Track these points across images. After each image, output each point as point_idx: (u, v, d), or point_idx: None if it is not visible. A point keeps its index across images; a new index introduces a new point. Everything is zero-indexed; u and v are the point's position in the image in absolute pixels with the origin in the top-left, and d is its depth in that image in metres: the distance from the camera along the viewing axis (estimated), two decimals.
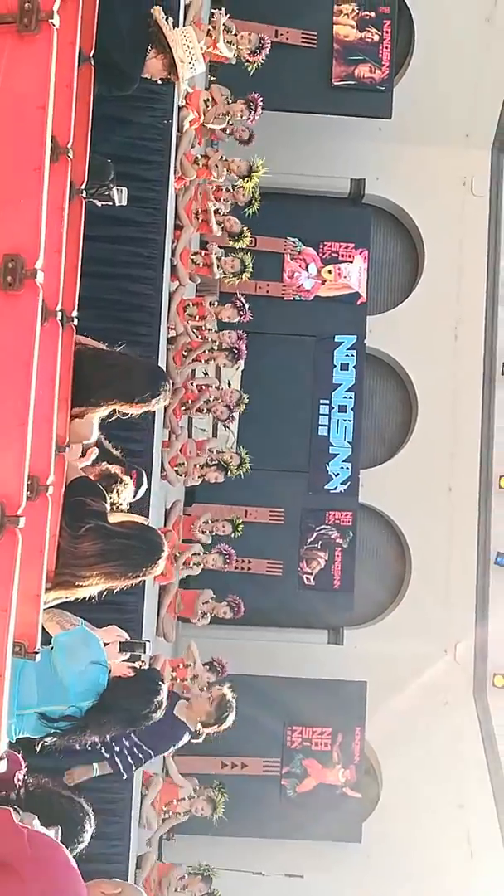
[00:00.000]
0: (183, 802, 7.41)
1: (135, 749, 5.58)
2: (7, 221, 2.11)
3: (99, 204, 5.13)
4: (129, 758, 5.61)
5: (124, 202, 5.13)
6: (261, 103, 8.57)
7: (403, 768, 11.53)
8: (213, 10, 8.65)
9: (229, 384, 9.91)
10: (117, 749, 5.55)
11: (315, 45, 11.70)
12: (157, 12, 4.33)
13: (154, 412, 6.35)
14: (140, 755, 5.65)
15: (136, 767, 5.83)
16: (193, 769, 9.05)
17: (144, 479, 5.84)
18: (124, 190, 5.12)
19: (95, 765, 5.66)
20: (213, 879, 7.92)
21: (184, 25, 4.86)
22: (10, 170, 2.10)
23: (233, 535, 9.25)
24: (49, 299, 2.83)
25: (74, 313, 3.58)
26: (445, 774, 11.49)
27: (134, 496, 5.30)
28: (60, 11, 2.38)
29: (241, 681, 9.61)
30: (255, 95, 8.51)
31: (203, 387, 8.68)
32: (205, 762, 10.15)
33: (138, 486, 5.45)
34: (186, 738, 6.00)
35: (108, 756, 5.57)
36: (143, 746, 5.61)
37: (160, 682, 3.58)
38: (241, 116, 8.22)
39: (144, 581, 6.77)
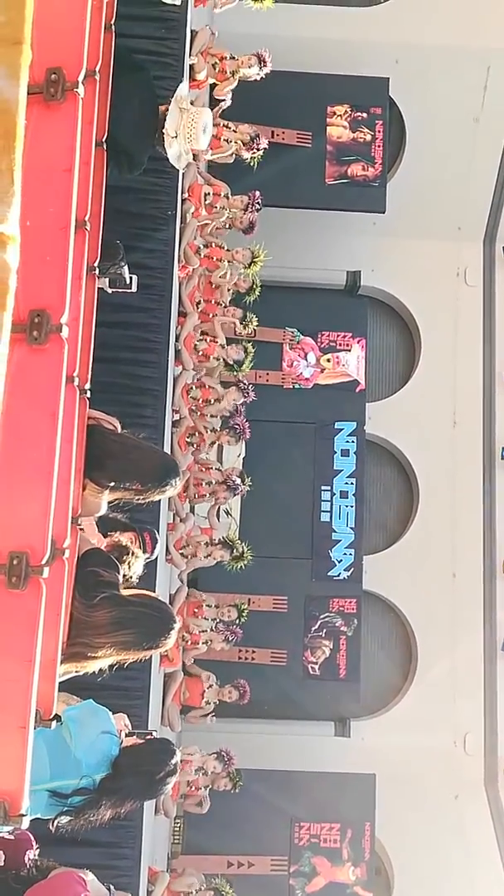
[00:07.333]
0: None
1: None
2: (33, 279, 2.15)
3: (110, 291, 5.28)
4: None
5: (134, 288, 5.34)
6: (259, 199, 8.86)
7: (415, 864, 11.14)
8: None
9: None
10: None
11: (310, 145, 12.13)
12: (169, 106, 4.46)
13: None
14: None
15: None
16: (199, 869, 8.75)
17: (158, 537, 5.79)
18: (134, 277, 5.33)
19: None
20: None
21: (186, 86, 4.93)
22: (38, 229, 2.16)
23: (238, 620, 9.14)
24: (67, 364, 2.87)
25: (87, 387, 3.64)
26: (458, 870, 11.09)
27: (150, 556, 5.27)
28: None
29: (247, 775, 9.38)
30: (256, 192, 8.81)
31: (205, 468, 8.72)
32: (211, 861, 9.82)
33: (153, 545, 5.42)
34: None
35: None
36: None
37: (172, 745, 3.50)
38: (240, 210, 8.48)
39: (151, 667, 6.69)
